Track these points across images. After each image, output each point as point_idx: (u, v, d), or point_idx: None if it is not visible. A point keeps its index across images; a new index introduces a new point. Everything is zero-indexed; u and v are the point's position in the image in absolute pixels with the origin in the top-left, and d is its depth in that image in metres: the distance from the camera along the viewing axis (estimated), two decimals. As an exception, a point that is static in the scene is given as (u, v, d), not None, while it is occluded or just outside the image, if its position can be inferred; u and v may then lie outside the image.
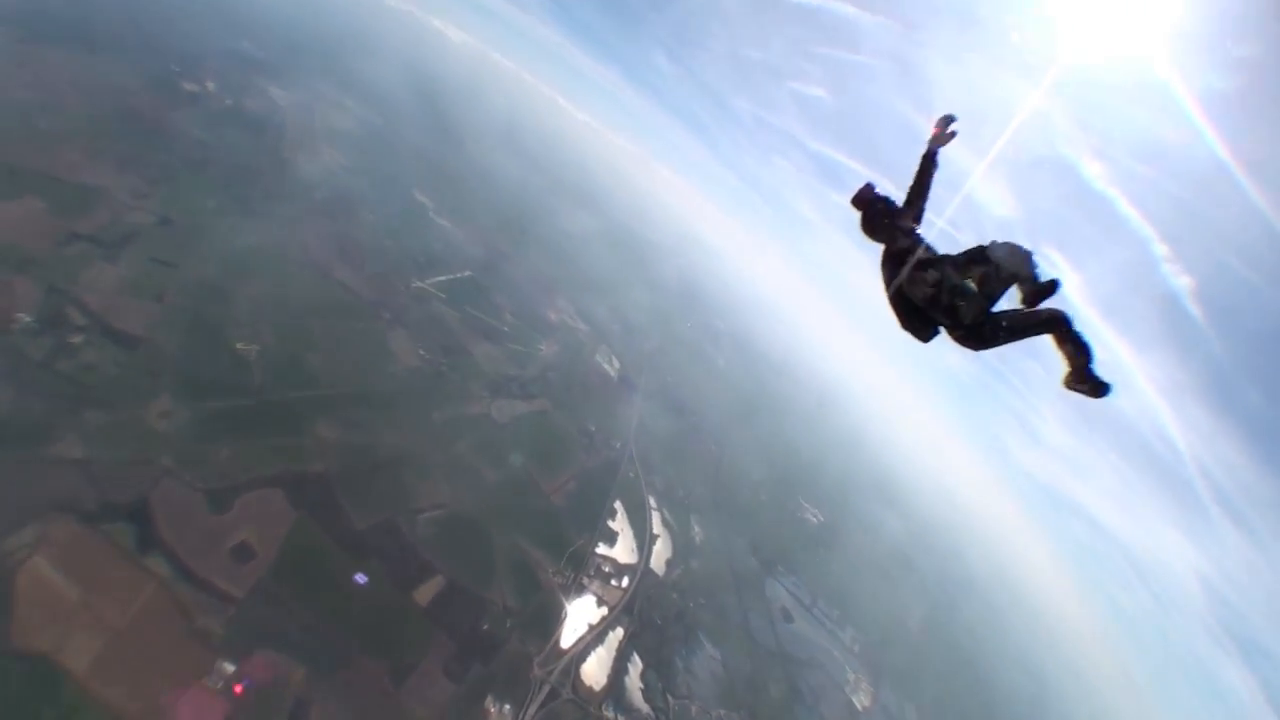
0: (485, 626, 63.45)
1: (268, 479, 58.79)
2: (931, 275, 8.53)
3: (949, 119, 9.02)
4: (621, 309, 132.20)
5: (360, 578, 53.23)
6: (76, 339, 58.71)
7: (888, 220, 8.99)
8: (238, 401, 62.69)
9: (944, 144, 9.25)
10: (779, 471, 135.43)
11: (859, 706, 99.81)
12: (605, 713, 67.14)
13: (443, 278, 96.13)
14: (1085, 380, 8.11)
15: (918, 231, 9.14)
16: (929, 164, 9.37)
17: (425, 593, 61.53)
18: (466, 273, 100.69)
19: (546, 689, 63.56)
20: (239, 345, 67.21)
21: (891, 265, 8.92)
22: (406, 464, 70.10)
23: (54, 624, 42.36)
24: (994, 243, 8.51)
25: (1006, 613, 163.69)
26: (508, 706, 59.17)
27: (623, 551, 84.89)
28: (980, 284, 8.37)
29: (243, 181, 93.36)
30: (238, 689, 46.07)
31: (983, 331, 8.54)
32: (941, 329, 8.93)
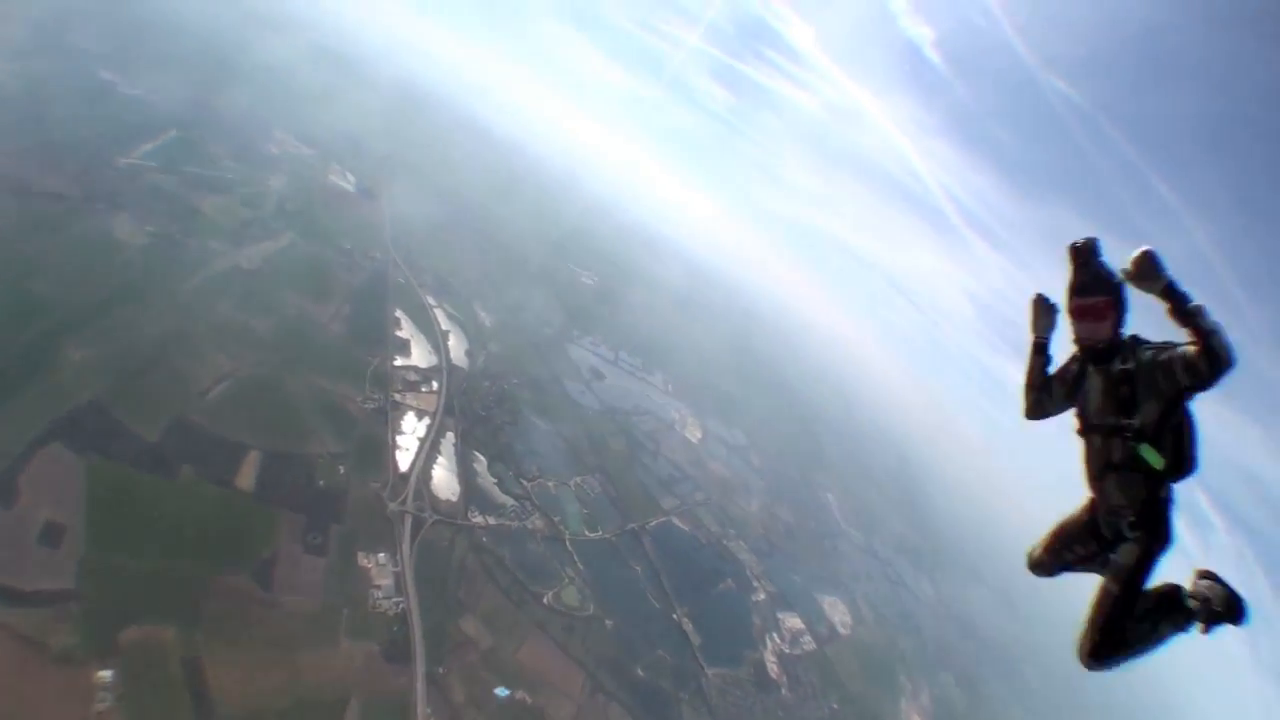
0: (321, 483, 54.55)
1: (41, 438, 45.20)
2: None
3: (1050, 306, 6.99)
4: (343, 125, 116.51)
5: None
6: None
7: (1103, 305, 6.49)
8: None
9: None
10: (543, 243, 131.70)
11: (693, 439, 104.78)
12: (474, 518, 63.52)
13: (149, 146, 78.78)
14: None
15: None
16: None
17: (246, 475, 51.31)
18: (172, 133, 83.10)
19: (409, 520, 57.26)
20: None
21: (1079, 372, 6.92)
22: (173, 350, 56.68)
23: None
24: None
25: (796, 338, 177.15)
26: (382, 555, 52.48)
27: (420, 357, 77.62)
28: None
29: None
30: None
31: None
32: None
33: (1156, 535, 6.20)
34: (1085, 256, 6.38)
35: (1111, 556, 6.48)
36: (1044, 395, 7.13)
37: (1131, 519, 6.29)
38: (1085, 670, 6.45)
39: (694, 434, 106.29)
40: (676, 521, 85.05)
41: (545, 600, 62.68)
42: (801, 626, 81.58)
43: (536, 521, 69.48)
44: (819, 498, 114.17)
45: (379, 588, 50.16)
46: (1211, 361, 5.46)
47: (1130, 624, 6.24)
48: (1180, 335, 5.77)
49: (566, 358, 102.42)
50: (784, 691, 71.55)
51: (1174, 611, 6.36)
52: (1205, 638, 6.37)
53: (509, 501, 68.97)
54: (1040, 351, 7.10)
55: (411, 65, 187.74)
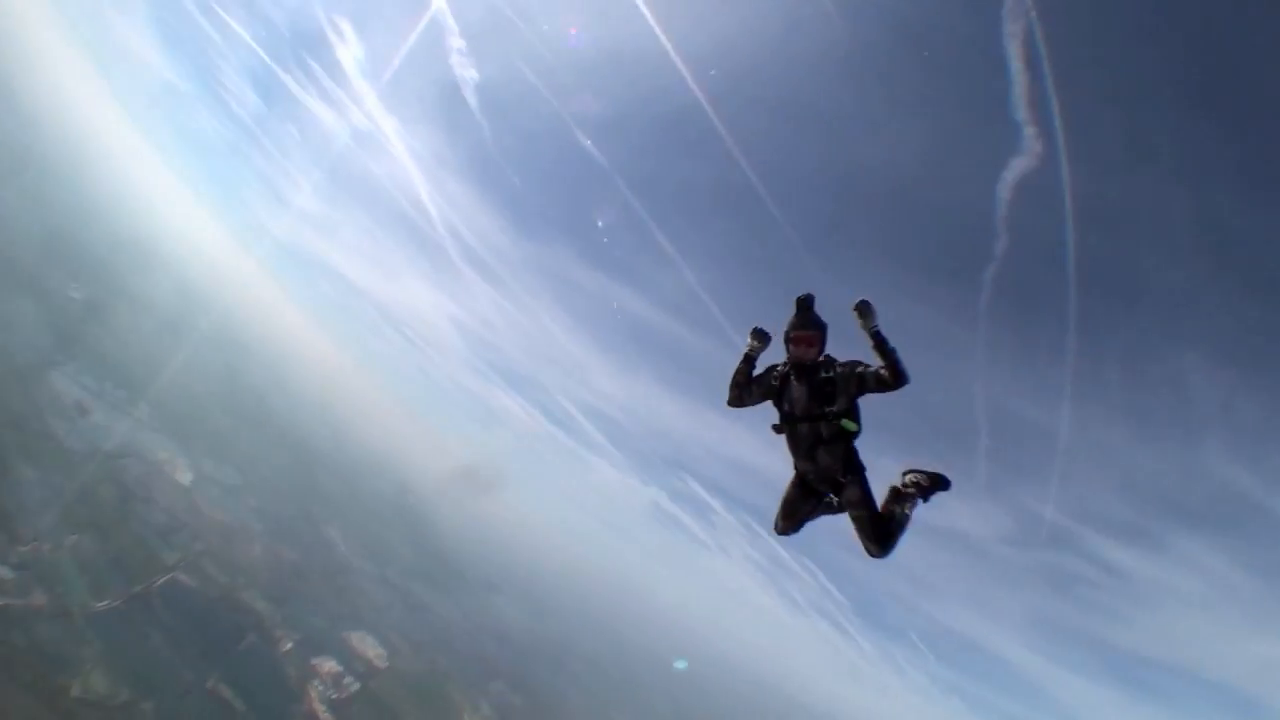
0: None
1: None
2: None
3: (767, 336, 9.01)
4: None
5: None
6: None
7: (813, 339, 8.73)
8: None
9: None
10: (39, 244, 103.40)
11: (185, 483, 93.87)
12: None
13: None
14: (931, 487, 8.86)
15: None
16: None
17: None
18: None
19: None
20: None
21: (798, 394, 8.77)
22: None
23: None
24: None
25: (283, 368, 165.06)
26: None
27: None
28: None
29: None
30: None
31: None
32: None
33: (859, 472, 8.75)
34: (806, 305, 8.68)
35: (844, 495, 8.77)
36: (744, 392, 9.00)
37: (841, 470, 8.69)
38: (879, 561, 8.84)
39: (185, 476, 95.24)
40: (182, 577, 76.91)
41: (74, 694, 54.33)
42: (339, 669, 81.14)
43: (39, 596, 58.64)
44: (322, 533, 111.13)
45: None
46: (897, 380, 8.01)
47: (884, 523, 8.74)
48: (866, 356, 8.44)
49: (50, 389, 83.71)
50: (344, 738, 71.77)
51: (903, 501, 8.81)
52: (928, 504, 8.81)
53: (8, 574, 57.42)
54: (749, 362, 8.97)
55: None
